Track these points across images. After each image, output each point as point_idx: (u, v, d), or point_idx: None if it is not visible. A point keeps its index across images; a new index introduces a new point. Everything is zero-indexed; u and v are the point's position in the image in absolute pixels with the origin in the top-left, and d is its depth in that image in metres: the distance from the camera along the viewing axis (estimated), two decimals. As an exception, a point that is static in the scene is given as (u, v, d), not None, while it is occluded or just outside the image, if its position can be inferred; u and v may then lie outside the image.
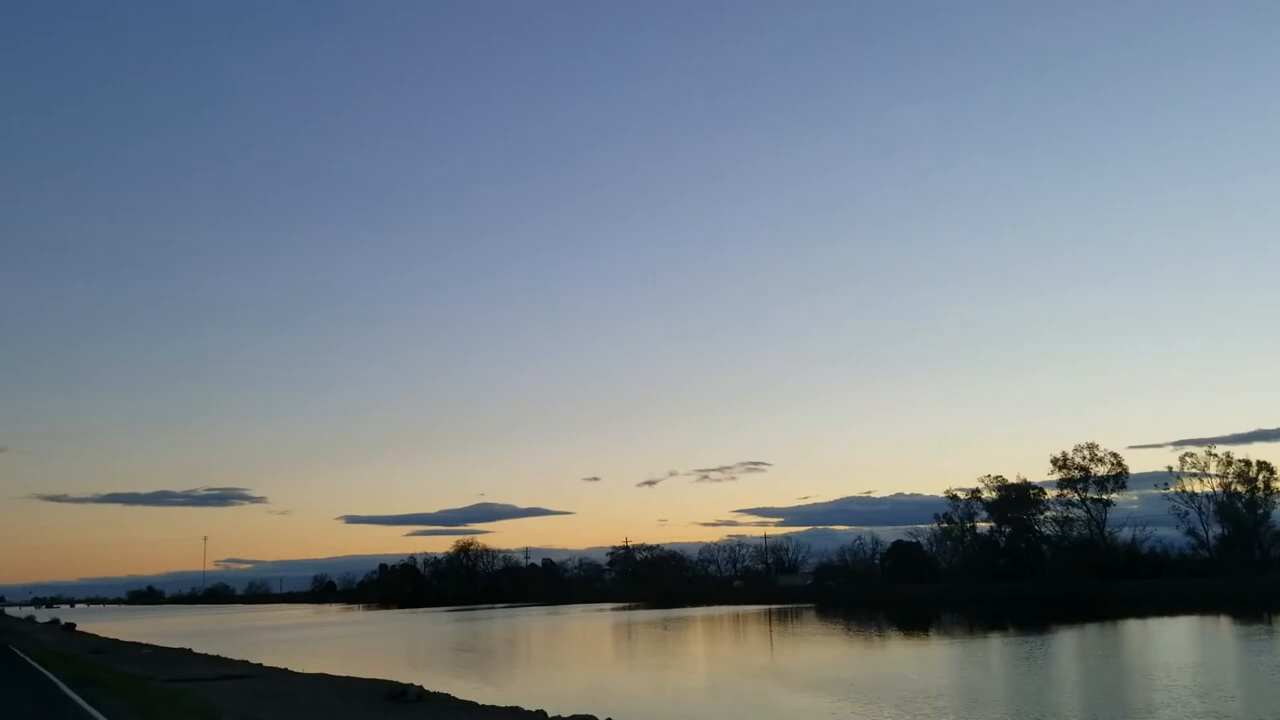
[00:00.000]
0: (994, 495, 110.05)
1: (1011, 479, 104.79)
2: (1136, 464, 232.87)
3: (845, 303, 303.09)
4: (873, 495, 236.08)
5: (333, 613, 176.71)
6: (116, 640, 60.54)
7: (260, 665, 36.75)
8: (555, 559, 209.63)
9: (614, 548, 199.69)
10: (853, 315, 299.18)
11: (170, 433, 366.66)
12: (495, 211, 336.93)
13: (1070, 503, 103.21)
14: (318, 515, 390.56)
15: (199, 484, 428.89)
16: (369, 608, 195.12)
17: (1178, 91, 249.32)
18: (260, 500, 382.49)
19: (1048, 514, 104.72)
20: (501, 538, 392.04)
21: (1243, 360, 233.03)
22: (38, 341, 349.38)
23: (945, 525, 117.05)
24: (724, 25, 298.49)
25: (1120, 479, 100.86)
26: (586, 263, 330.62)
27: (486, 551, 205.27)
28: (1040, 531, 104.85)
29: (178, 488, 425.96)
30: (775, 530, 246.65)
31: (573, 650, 55.39)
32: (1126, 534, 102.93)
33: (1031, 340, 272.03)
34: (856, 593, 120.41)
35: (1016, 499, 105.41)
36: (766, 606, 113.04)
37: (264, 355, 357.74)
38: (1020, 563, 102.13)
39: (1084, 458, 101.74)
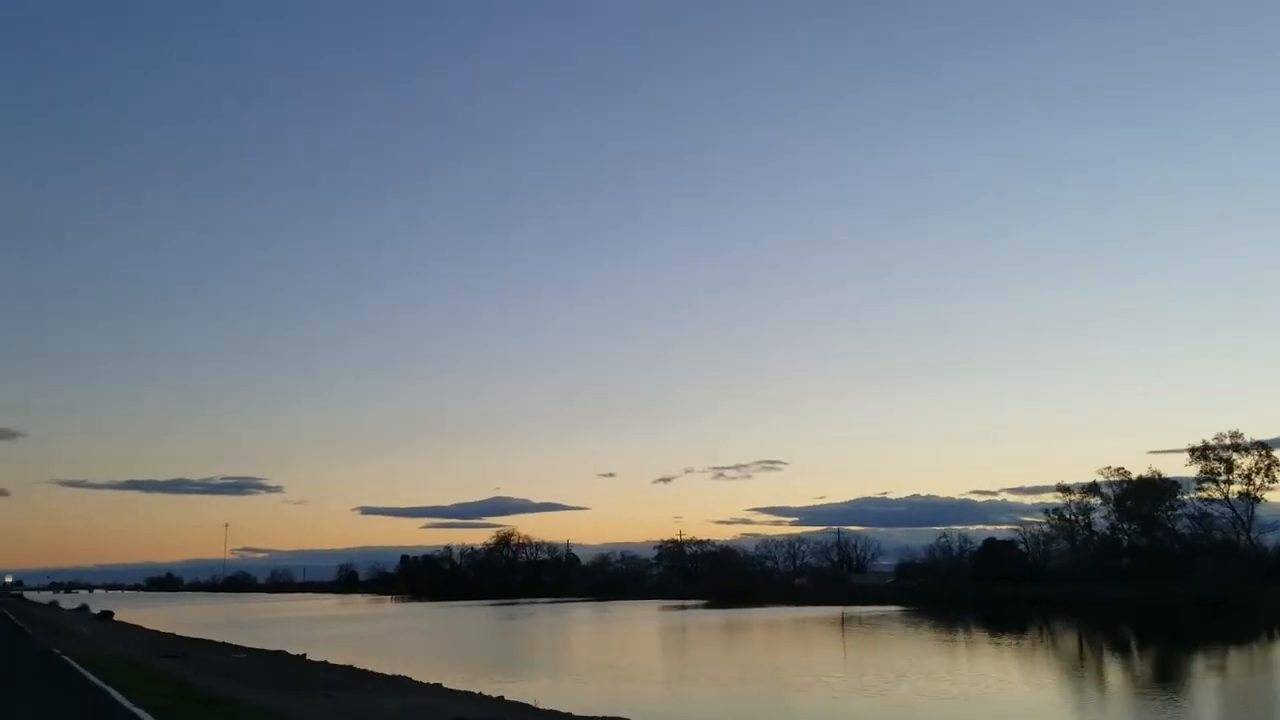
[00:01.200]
0: (1115, 489, 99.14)
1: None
2: (1154, 469, 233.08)
3: (863, 301, 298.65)
4: (889, 496, 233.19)
5: (360, 603, 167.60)
6: (173, 635, 51.27)
7: (438, 686, 27.35)
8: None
9: (663, 541, 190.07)
10: (871, 314, 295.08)
11: (188, 421, 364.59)
12: (514, 206, 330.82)
13: (1211, 499, 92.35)
14: (334, 506, 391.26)
15: (216, 472, 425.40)
16: (399, 599, 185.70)
17: (1188, 93, 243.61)
18: (277, 490, 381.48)
19: (1180, 511, 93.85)
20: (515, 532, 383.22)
21: (1269, 364, 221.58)
22: (56, 329, 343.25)
23: (1055, 521, 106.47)
24: (735, 26, 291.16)
25: (1271, 472, 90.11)
26: (604, 258, 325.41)
27: (528, 543, 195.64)
28: (1173, 530, 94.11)
29: (195, 476, 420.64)
30: (791, 530, 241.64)
31: (686, 659, 45.40)
32: (1270, 537, 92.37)
33: (1051, 340, 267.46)
34: (943, 594, 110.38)
35: (1145, 493, 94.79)
36: (846, 608, 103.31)
37: (283, 346, 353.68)
38: (1151, 564, 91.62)
39: (1226, 449, 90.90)
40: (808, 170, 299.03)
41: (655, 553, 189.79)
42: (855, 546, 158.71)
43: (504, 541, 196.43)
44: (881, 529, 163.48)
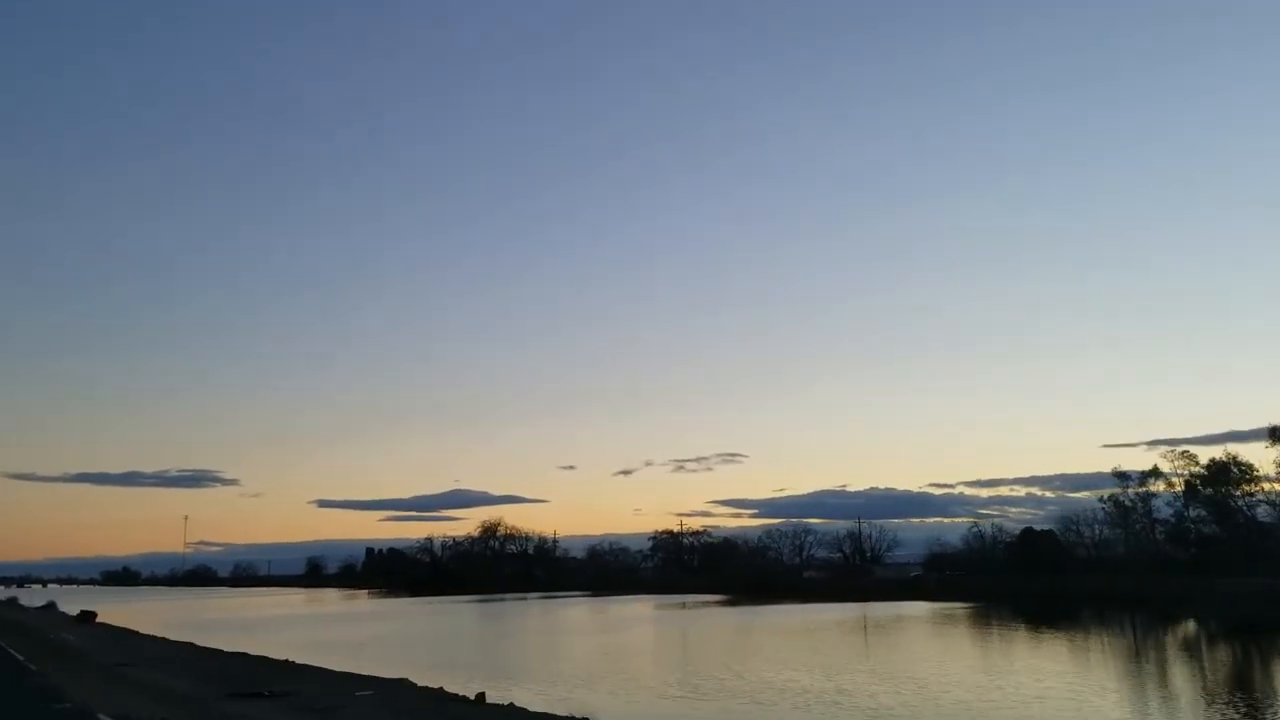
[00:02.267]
0: (1184, 474, 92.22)
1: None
2: (1108, 463, 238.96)
3: (824, 295, 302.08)
4: (848, 489, 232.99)
5: (333, 599, 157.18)
6: (190, 645, 41.78)
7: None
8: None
9: (658, 532, 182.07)
10: (831, 307, 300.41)
11: (141, 413, 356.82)
12: (472, 198, 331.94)
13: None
14: (291, 499, 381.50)
15: (171, 465, 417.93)
16: (375, 593, 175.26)
17: (1177, 85, 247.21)
18: (233, 482, 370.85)
19: (1258, 498, 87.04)
20: (473, 524, 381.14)
21: (1221, 358, 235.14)
22: (4, 318, 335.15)
23: (1111, 506, 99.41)
24: (720, 12, 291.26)
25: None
26: (564, 250, 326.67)
27: (515, 534, 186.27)
28: (1252, 517, 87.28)
29: (149, 468, 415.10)
30: (751, 522, 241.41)
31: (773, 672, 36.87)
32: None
33: (1010, 334, 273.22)
34: (980, 588, 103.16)
35: (1218, 478, 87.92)
36: (876, 603, 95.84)
37: (237, 336, 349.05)
38: (1226, 554, 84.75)
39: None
40: (766, 162, 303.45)
41: (650, 544, 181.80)
42: (870, 538, 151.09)
43: (489, 532, 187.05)
44: (840, 521, 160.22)
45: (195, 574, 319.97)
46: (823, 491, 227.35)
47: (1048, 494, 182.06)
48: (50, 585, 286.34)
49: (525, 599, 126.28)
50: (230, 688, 21.97)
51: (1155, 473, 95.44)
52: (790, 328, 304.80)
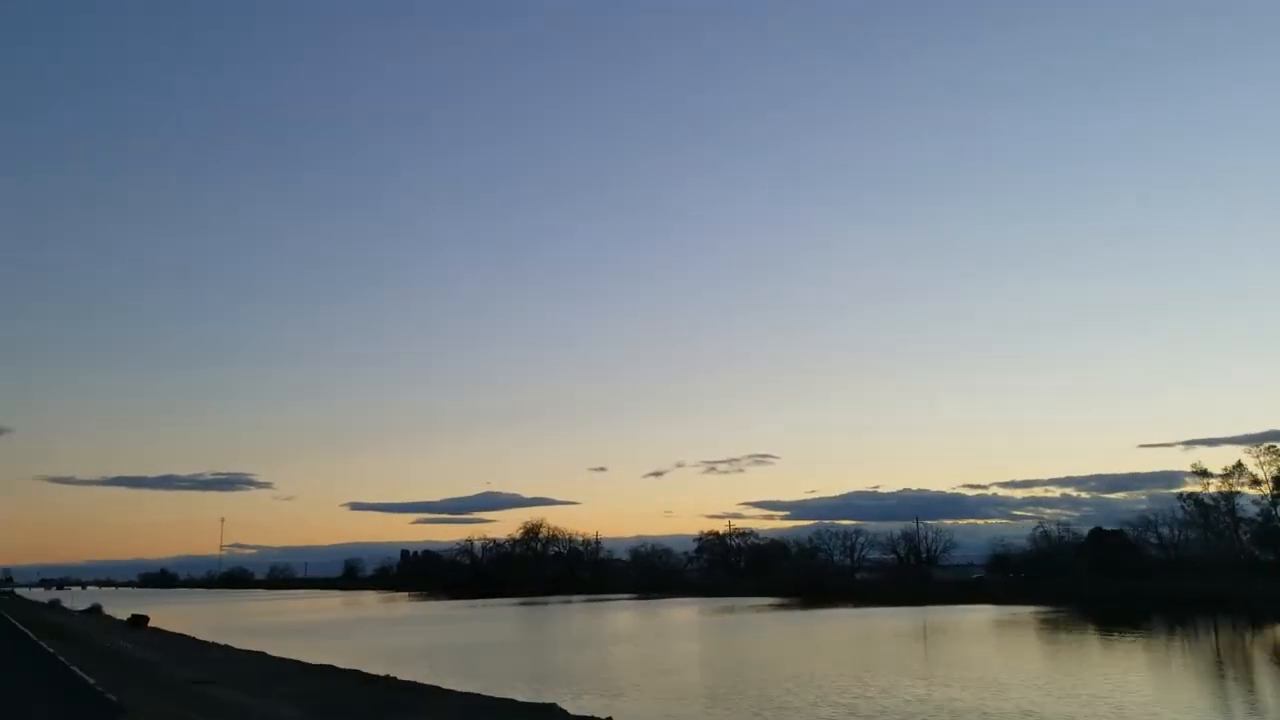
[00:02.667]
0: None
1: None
2: (1144, 464, 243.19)
3: (855, 295, 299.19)
4: (880, 490, 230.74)
5: (373, 602, 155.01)
6: (263, 654, 38.88)
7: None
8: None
9: (703, 534, 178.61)
10: (862, 308, 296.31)
11: (177, 417, 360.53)
12: (501, 202, 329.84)
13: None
14: (323, 501, 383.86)
15: (206, 468, 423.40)
16: (415, 596, 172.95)
17: (1191, 83, 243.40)
18: (266, 485, 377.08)
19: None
20: (505, 526, 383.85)
21: (1258, 357, 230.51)
22: (43, 324, 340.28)
23: (1190, 505, 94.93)
24: (730, 16, 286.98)
25: None
26: (595, 253, 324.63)
27: (557, 536, 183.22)
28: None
29: (184, 471, 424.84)
30: (783, 524, 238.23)
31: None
32: None
33: (1041, 334, 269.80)
34: (1052, 591, 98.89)
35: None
36: (942, 606, 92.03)
37: (272, 342, 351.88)
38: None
39: None
40: (798, 165, 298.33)
41: (695, 545, 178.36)
42: (926, 538, 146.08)
43: (532, 534, 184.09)
44: (872, 522, 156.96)
45: (232, 576, 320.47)
46: (855, 493, 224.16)
47: (1083, 494, 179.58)
48: (90, 588, 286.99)
49: (570, 602, 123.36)
50: (350, 715, 18.83)
51: (1238, 470, 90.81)
52: (822, 329, 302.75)
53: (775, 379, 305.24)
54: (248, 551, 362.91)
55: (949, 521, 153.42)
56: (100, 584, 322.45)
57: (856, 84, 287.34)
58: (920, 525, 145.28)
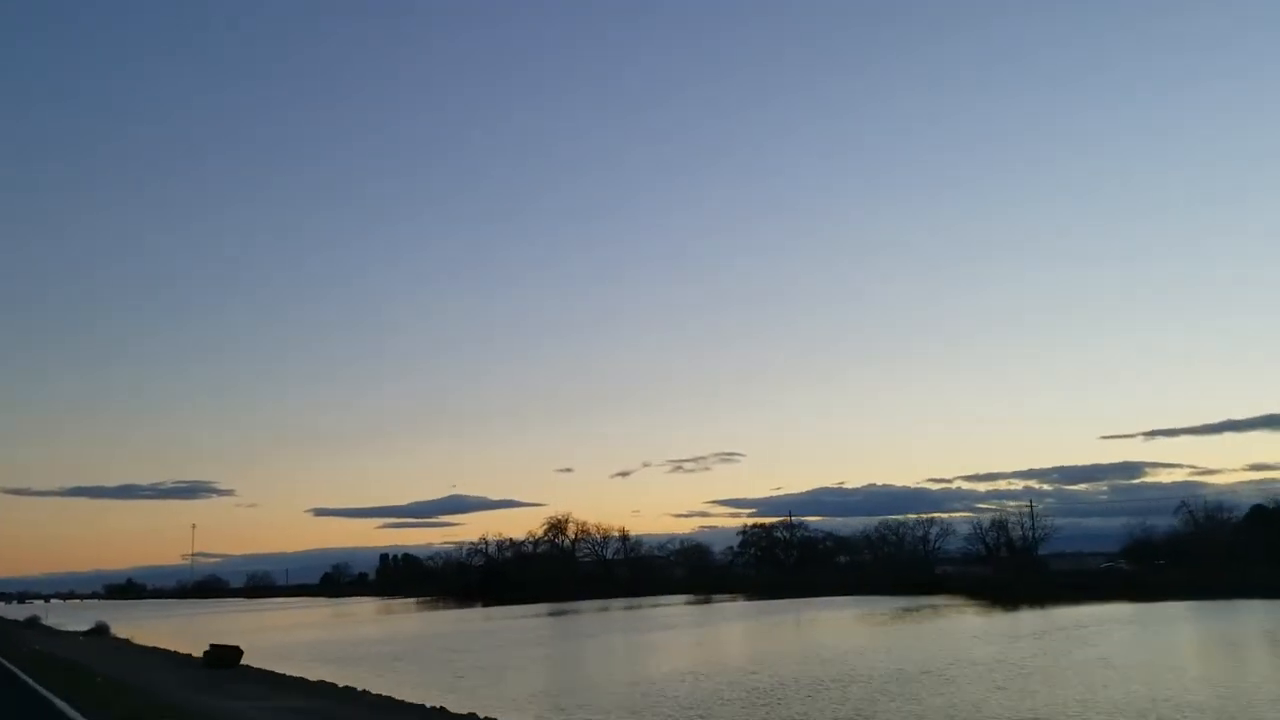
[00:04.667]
0: None
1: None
2: (1105, 455, 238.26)
3: (816, 294, 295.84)
4: (845, 486, 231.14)
5: (375, 611, 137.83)
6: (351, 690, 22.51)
7: None
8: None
9: (747, 527, 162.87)
10: (825, 306, 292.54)
11: (137, 426, 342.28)
12: (469, 206, 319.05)
13: None
14: (286, 508, 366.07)
15: (166, 477, 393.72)
16: (423, 605, 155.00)
17: (1173, 78, 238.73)
18: (228, 493, 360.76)
19: None
20: (472, 529, 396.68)
21: (1216, 348, 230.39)
22: None
23: None
24: (718, 19, 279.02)
25: None
26: (559, 256, 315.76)
27: (586, 534, 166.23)
28: None
29: (144, 480, 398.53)
30: (750, 522, 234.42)
31: None
32: None
33: (1005, 328, 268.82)
34: (1213, 579, 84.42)
35: None
36: (1088, 606, 77.59)
37: (232, 348, 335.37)
38: None
39: None
40: (758, 164, 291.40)
41: (739, 540, 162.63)
42: (1021, 525, 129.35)
43: (558, 529, 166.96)
44: (838, 519, 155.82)
45: (206, 585, 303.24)
46: (820, 489, 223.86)
47: (1045, 486, 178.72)
48: (53, 600, 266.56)
49: (607, 608, 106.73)
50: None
51: None
52: (785, 326, 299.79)
53: (740, 377, 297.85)
54: (212, 560, 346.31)
55: (912, 516, 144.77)
56: (63, 597, 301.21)
57: (814, 86, 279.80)
58: (1019, 511, 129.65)
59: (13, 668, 34.97)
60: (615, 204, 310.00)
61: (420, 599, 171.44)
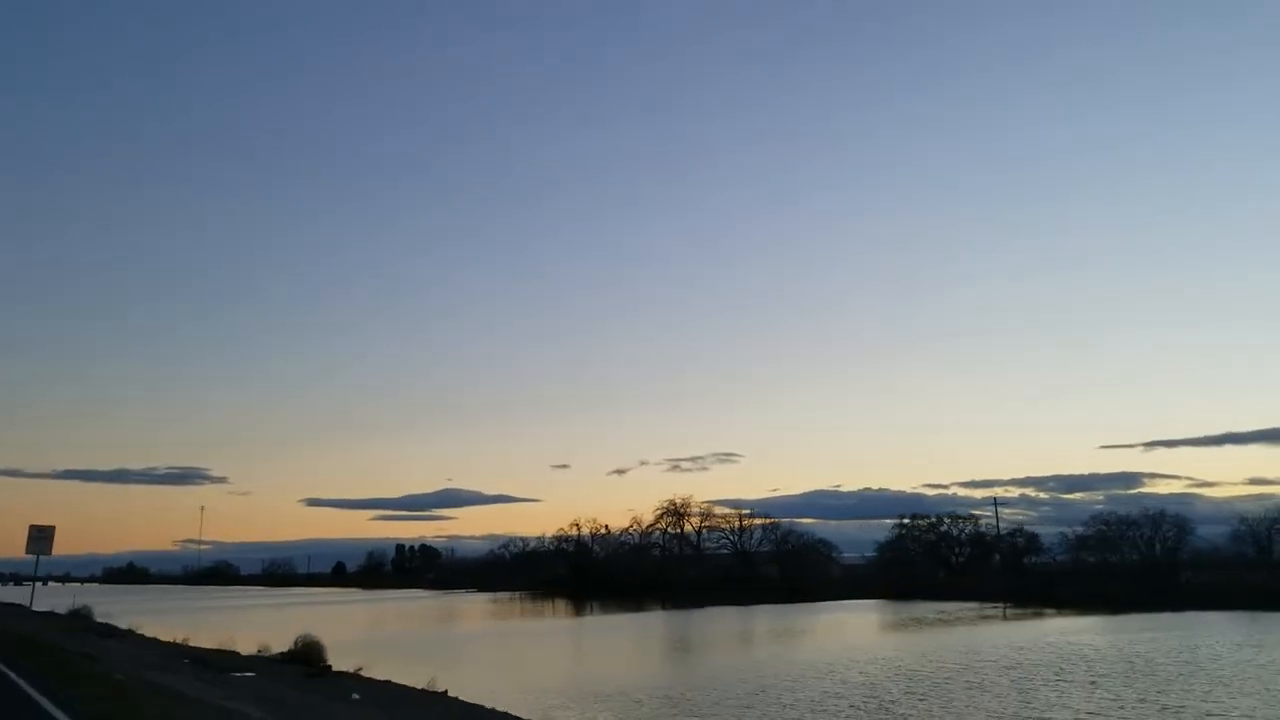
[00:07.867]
0: None
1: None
2: (1104, 464, 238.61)
3: (818, 295, 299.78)
4: (841, 489, 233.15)
5: (445, 603, 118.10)
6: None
7: None
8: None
9: (898, 521, 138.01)
10: (826, 307, 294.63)
11: (130, 410, 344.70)
12: (468, 197, 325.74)
13: None
14: (279, 497, 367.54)
15: (160, 462, 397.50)
16: (511, 599, 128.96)
17: (1174, 84, 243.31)
18: (221, 480, 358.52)
19: None
20: (465, 524, 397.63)
21: (1217, 360, 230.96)
22: None
23: None
24: (712, 20, 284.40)
25: None
26: (558, 251, 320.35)
27: (717, 525, 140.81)
28: None
29: (137, 465, 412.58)
30: (746, 523, 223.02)
31: None
32: None
33: (1006, 335, 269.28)
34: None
35: None
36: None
37: (225, 335, 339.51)
38: None
39: None
40: (759, 164, 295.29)
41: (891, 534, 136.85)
42: (1158, 528, 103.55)
43: (674, 512, 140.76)
44: (833, 522, 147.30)
45: (215, 572, 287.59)
46: (816, 492, 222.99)
47: (1042, 495, 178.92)
48: (50, 584, 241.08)
49: (750, 610, 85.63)
50: None
51: None
52: (786, 327, 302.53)
53: (740, 377, 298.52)
54: (202, 547, 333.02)
55: (909, 520, 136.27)
56: (62, 580, 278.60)
57: (815, 84, 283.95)
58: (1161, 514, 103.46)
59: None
60: (615, 204, 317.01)
61: (493, 595, 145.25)
